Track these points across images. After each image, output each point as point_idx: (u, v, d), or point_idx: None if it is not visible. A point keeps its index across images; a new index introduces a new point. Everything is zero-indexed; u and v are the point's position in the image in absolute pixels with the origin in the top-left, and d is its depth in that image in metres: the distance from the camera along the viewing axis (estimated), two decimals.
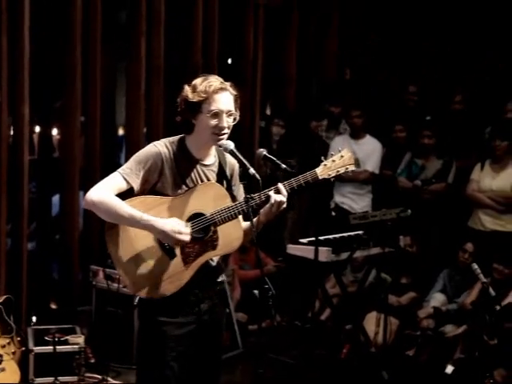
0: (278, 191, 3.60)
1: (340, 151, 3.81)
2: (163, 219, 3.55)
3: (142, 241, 3.60)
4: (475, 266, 5.77)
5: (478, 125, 7.59)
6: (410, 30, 8.63)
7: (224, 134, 3.62)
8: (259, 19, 8.01)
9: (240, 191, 3.80)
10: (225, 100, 3.61)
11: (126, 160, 3.72)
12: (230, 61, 8.67)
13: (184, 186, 3.64)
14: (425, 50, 8.66)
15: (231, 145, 3.62)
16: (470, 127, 7.55)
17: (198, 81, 3.64)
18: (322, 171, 3.72)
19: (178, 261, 3.61)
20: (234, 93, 3.66)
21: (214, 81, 3.63)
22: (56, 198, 7.28)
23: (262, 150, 3.80)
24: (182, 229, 3.54)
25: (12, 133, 6.56)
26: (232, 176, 3.79)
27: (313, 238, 5.96)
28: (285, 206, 3.63)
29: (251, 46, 7.99)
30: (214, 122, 3.59)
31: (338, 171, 3.76)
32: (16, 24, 6.23)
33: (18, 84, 6.29)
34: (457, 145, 7.47)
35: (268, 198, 3.59)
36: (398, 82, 8.59)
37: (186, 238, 3.55)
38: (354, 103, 7.72)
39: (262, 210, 3.64)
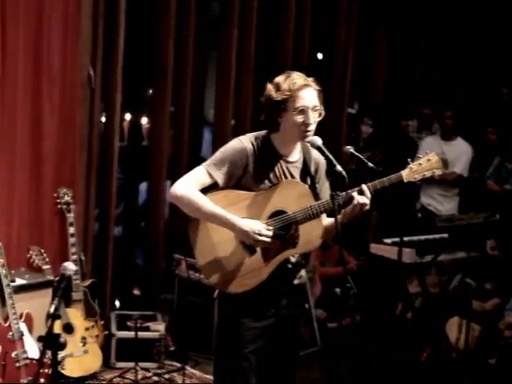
0: (361, 192, 3.57)
1: (428, 154, 3.74)
2: (244, 219, 3.56)
3: (224, 235, 3.62)
4: None
5: None
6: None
7: (311, 130, 3.61)
8: (351, 15, 7.93)
9: (324, 187, 3.77)
10: (309, 96, 3.59)
11: (213, 151, 3.75)
12: (320, 56, 8.63)
13: (267, 182, 3.65)
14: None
15: (319, 141, 3.61)
16: None
17: (280, 79, 3.62)
18: (408, 174, 3.67)
19: (258, 257, 3.62)
20: (318, 88, 3.63)
21: (297, 78, 3.60)
22: (143, 186, 7.40)
23: (349, 147, 3.78)
24: (262, 230, 3.55)
25: (104, 119, 6.69)
26: (316, 172, 3.77)
27: (397, 239, 5.89)
28: (368, 207, 3.59)
29: (342, 42, 7.94)
30: (300, 118, 3.58)
31: (424, 175, 3.70)
32: (112, 12, 6.33)
33: (112, 71, 6.39)
34: None
35: (351, 198, 3.56)
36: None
37: (266, 239, 3.55)
38: (446, 104, 7.61)
39: (343, 210, 3.62)
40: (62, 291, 3.60)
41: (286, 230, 3.62)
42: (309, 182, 3.73)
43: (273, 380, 3.82)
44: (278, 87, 3.59)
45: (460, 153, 7.42)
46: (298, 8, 7.56)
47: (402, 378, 5.95)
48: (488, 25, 8.09)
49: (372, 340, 6.58)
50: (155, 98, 6.97)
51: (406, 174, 3.66)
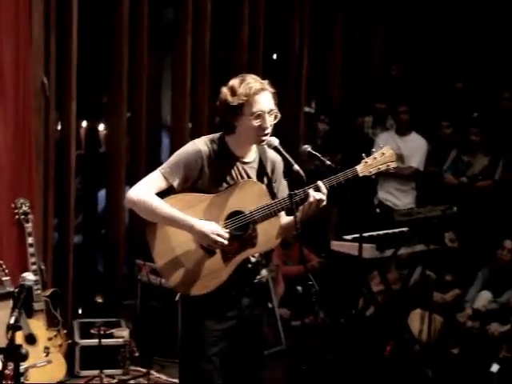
0: (317, 189, 3.60)
1: (381, 148, 3.78)
2: (202, 221, 3.57)
3: (182, 237, 3.62)
4: None
5: None
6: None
7: (267, 133, 3.62)
8: (305, 15, 7.97)
9: (282, 187, 3.79)
10: (265, 100, 3.60)
11: (170, 155, 3.75)
12: (275, 56, 8.66)
13: (224, 184, 3.65)
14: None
15: (275, 141, 3.63)
16: None
17: (235, 83, 3.61)
18: (363, 168, 3.70)
19: (217, 258, 3.63)
20: (272, 90, 3.64)
21: (253, 81, 3.59)
22: (102, 193, 7.38)
23: (306, 146, 3.79)
24: (220, 231, 3.56)
25: (59, 128, 6.65)
26: (273, 172, 3.79)
27: (357, 235, 5.93)
28: (324, 203, 3.61)
29: (297, 41, 7.97)
30: (256, 123, 3.58)
31: (378, 168, 3.74)
32: (64, 20, 6.31)
33: (66, 79, 6.38)
34: (504, 141, 7.39)
35: (307, 195, 3.58)
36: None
37: (224, 241, 3.56)
38: (401, 99, 7.68)
39: (300, 208, 3.64)
40: (22, 302, 3.58)
41: (244, 230, 3.63)
42: (265, 181, 3.74)
43: (238, 381, 3.82)
44: (233, 91, 3.58)
45: (415, 147, 7.50)
46: (251, 10, 7.57)
47: (367, 373, 5.99)
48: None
49: (335, 336, 6.63)
50: (111, 104, 6.95)
51: (360, 169, 3.69)
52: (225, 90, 3.62)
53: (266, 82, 3.65)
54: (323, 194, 3.59)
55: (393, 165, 3.77)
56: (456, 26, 8.32)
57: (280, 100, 3.68)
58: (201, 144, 3.66)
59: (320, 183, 3.61)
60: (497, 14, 8.06)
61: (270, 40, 8.02)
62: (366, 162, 3.71)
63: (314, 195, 3.57)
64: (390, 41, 8.73)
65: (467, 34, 8.29)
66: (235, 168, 3.68)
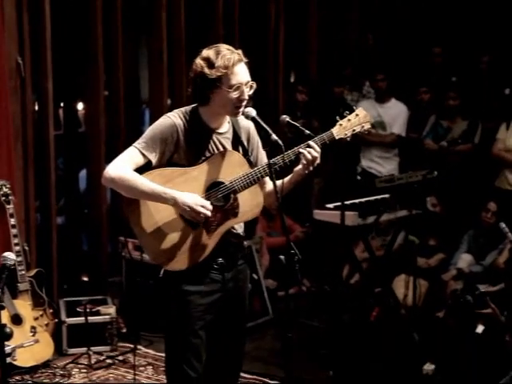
0: (309, 148, 3.58)
1: (355, 109, 3.77)
2: (184, 193, 3.52)
3: (163, 213, 3.58)
4: (503, 225, 5.74)
5: (502, 85, 7.52)
6: None
7: (243, 105, 3.59)
8: None
9: (261, 154, 3.79)
10: (243, 71, 3.56)
11: None
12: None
13: (201, 156, 3.62)
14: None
15: (253, 112, 3.60)
16: (495, 87, 7.48)
17: (211, 54, 3.54)
18: (339, 131, 3.69)
19: (200, 230, 3.61)
20: (246, 60, 3.60)
21: (230, 53, 3.53)
22: (83, 173, 7.35)
23: (285, 116, 3.78)
24: (203, 202, 3.53)
25: (37, 108, 6.61)
26: (249, 140, 3.77)
27: (339, 203, 5.95)
28: (318, 162, 3.59)
29: (273, 15, 7.94)
30: (235, 95, 3.55)
31: (353, 130, 3.73)
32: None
33: (41, 59, 6.32)
34: (482, 105, 7.42)
35: (298, 157, 3.57)
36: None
37: (208, 212, 3.53)
38: (378, 67, 7.68)
39: (295, 169, 3.64)
40: (5, 281, 3.59)
41: (226, 200, 3.62)
42: (241, 151, 3.72)
43: (222, 353, 3.82)
44: (211, 64, 3.51)
45: (396, 114, 7.51)
46: None
47: (354, 339, 6.03)
48: None
49: (322, 305, 6.67)
50: (88, 83, 6.89)
51: (336, 132, 3.68)
52: (200, 62, 3.55)
53: (240, 51, 3.60)
54: (317, 152, 3.58)
55: (367, 125, 3.77)
56: None
57: (259, 72, 3.66)
58: (175, 117, 3.62)
59: (312, 142, 3.59)
60: None
61: (247, 15, 7.97)
62: (341, 125, 3.70)
63: (307, 154, 3.55)
64: (367, 9, 8.71)
65: None
66: (211, 139, 3.65)
